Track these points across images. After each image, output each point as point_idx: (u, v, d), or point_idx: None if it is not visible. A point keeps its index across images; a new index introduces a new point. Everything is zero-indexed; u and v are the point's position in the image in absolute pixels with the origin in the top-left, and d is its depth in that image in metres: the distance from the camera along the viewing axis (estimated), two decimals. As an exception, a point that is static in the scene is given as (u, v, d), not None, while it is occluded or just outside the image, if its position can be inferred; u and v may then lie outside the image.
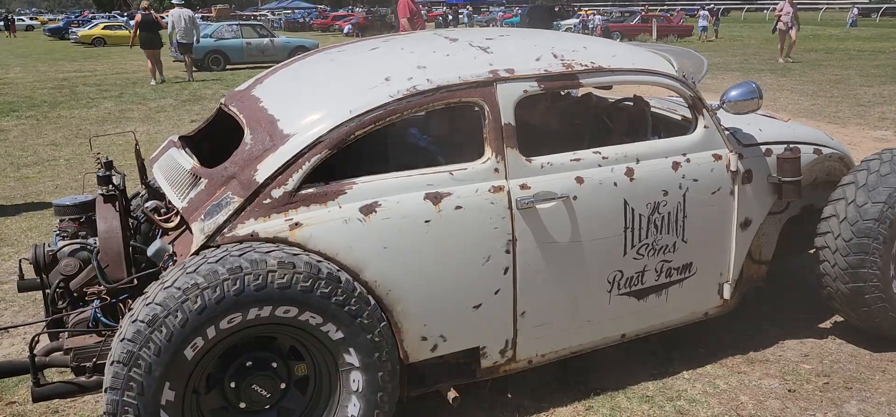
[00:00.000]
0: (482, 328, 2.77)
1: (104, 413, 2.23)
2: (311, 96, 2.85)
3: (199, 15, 35.10)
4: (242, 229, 2.45)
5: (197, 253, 2.39)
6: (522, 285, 2.79)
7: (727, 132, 3.24)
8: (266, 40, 21.23)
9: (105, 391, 2.22)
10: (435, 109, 2.83)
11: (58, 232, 2.95)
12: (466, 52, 2.94)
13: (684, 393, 3.10)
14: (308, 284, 2.34)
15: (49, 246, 2.84)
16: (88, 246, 2.79)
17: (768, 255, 3.48)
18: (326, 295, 2.38)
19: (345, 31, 41.21)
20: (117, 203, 2.85)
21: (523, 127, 2.90)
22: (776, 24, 18.75)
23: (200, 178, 2.63)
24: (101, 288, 2.63)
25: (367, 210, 2.54)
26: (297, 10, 58.73)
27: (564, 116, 3.95)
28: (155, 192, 3.17)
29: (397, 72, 2.76)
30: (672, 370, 3.30)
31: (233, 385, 2.42)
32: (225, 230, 2.45)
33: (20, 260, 3.27)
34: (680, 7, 53.23)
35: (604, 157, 2.92)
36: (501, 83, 2.79)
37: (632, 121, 3.60)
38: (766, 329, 3.67)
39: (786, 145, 3.36)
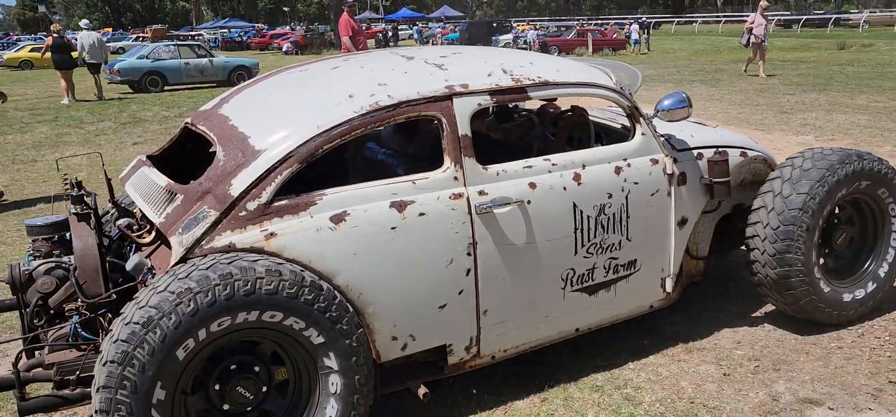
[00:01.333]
0: (448, 327, 2.96)
1: (96, 411, 2.31)
2: (279, 113, 3.00)
3: (134, 36, 34.44)
4: (220, 241, 2.58)
5: (177, 264, 2.50)
6: (484, 285, 2.99)
7: (662, 138, 3.51)
8: (205, 60, 20.94)
9: (97, 389, 2.32)
10: (395, 124, 2.99)
11: (31, 251, 3.01)
12: (423, 69, 3.15)
13: (630, 382, 3.34)
14: (293, 291, 2.50)
15: (24, 265, 2.89)
16: (63, 264, 2.87)
17: (704, 251, 3.79)
18: (309, 301, 2.53)
19: (283, 49, 40.94)
20: (91, 221, 2.93)
21: (477, 138, 3.11)
22: (748, 36, 17.15)
23: (176, 194, 2.75)
24: (81, 303, 2.71)
25: (337, 219, 2.70)
26: (233, 29, 58.05)
27: (512, 128, 4.20)
28: (124, 210, 3.27)
29: (360, 90, 2.95)
30: (619, 361, 3.53)
31: (217, 387, 2.54)
32: (203, 242, 2.58)
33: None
34: (613, 21, 54.77)
35: (553, 164, 3.16)
36: (457, 97, 3.00)
37: (575, 130, 3.89)
38: (702, 320, 3.95)
39: (715, 149, 3.67)
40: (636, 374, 3.42)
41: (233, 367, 2.57)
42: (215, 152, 2.84)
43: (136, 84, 19.55)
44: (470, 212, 2.92)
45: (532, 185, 3.07)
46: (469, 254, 2.93)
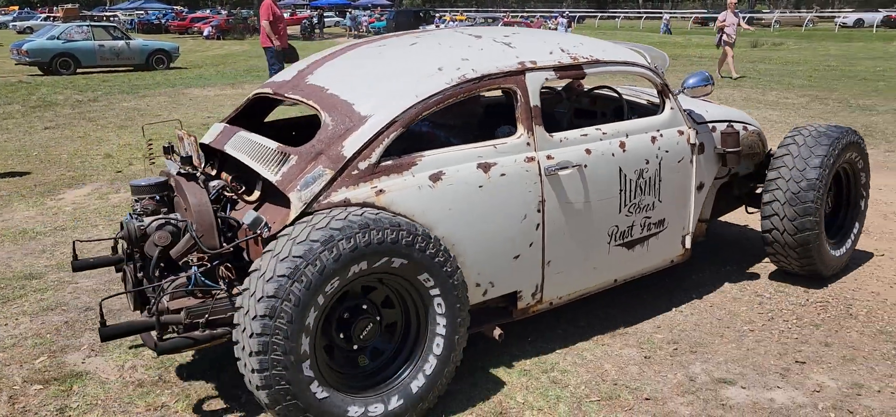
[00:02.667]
0: (519, 275, 3.33)
1: (253, 334, 2.56)
2: (376, 83, 3.27)
3: (43, 15, 32.70)
4: (335, 197, 2.87)
5: (297, 219, 2.79)
6: (549, 238, 3.38)
7: (684, 112, 3.98)
8: (121, 43, 20.10)
9: (255, 317, 2.57)
10: (473, 96, 3.35)
11: (138, 210, 3.19)
12: (495, 47, 3.50)
13: (557, 365, 3.44)
14: (411, 240, 2.81)
15: (138, 221, 3.10)
16: (171, 220, 3.08)
17: (707, 214, 4.28)
18: (425, 250, 2.84)
19: (205, 33, 39.71)
20: (200, 180, 3.20)
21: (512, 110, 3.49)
22: (720, 37, 16.42)
23: (289, 155, 3.00)
24: (202, 255, 2.96)
25: (435, 178, 3.04)
26: (151, 11, 55.88)
27: (561, 102, 4.64)
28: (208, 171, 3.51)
29: (447, 64, 3.28)
30: (548, 347, 3.63)
31: (340, 325, 2.85)
32: (321, 198, 2.86)
33: (74, 242, 3.66)
34: (539, 14, 55.54)
35: (603, 133, 3.59)
36: (529, 72, 3.39)
37: (599, 105, 4.47)
38: (625, 306, 4.10)
39: (727, 123, 4.24)
40: (563, 358, 3.51)
41: (354, 308, 2.86)
42: (320, 118, 3.11)
43: (46, 66, 18.68)
44: (540, 174, 3.30)
45: (588, 151, 3.48)
46: (538, 211, 3.31)
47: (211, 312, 2.81)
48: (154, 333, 2.82)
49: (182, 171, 3.25)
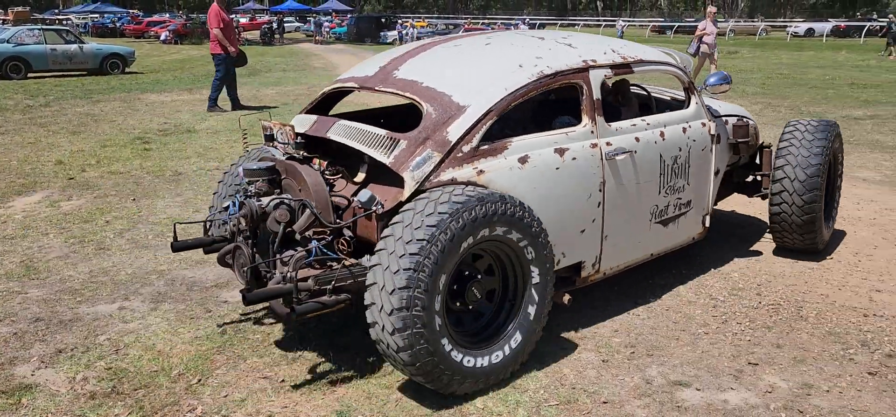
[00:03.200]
0: (584, 248, 3.77)
1: (398, 288, 2.88)
2: (467, 78, 3.64)
3: (-8, 17, 31.69)
4: (443, 176, 3.26)
5: (410, 198, 3.17)
6: (607, 215, 3.83)
7: (705, 107, 4.55)
8: (74, 47, 19.64)
9: (397, 271, 2.89)
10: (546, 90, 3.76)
11: (253, 191, 3.56)
12: (559, 48, 3.96)
13: (516, 370, 3.45)
14: (519, 212, 3.21)
15: (257, 201, 3.42)
16: (285, 200, 3.38)
17: (714, 199, 4.77)
18: (526, 221, 3.24)
19: (161, 38, 39.09)
20: (314, 163, 3.61)
21: (549, 106, 4.11)
22: (697, 45, 15.62)
23: (398, 140, 3.35)
24: (325, 229, 3.31)
25: (523, 160, 3.46)
26: (106, 15, 54.73)
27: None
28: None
29: (526, 62, 3.73)
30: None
31: (455, 287, 3.24)
32: (431, 177, 3.23)
33: (174, 224, 3.98)
34: (500, 21, 55.90)
35: (648, 124, 4.10)
36: (592, 69, 3.85)
37: (641, 100, 5.01)
38: (584, 311, 4.14)
39: (737, 117, 4.94)
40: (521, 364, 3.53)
41: (465, 273, 3.27)
42: (421, 109, 3.46)
43: (-4, 70, 18.13)
44: (601, 158, 3.75)
45: (637, 139, 3.97)
46: (600, 191, 3.76)
47: (336, 280, 3.13)
48: (281, 302, 3.16)
49: (295, 156, 3.66)
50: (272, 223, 3.35)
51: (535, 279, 3.36)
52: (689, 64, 5.20)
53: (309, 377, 3.40)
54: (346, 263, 3.20)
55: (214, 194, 4.20)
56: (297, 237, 3.33)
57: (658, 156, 4.07)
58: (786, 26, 51.05)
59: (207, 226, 3.93)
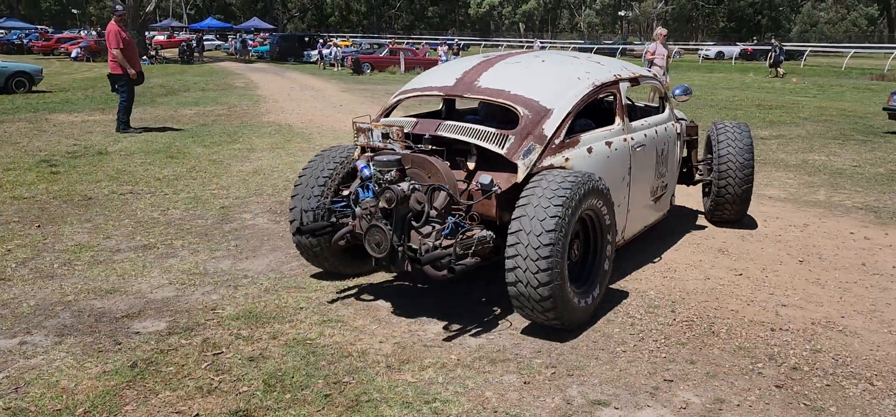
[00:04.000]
0: (619, 218, 4.84)
1: (543, 245, 3.80)
2: (543, 87, 4.67)
3: None
4: (544, 163, 4.32)
5: (525, 180, 4.21)
6: (631, 193, 5.06)
7: (673, 111, 5.98)
8: (-24, 64, 18.64)
9: (540, 234, 3.81)
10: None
11: (389, 179, 4.11)
12: (595, 65, 5.20)
13: (439, 396, 3.43)
14: (605, 188, 4.28)
15: (398, 187, 4.03)
16: (417, 186, 4.10)
17: (675, 183, 6.13)
18: (607, 195, 4.29)
19: (72, 55, 37.59)
20: (443, 154, 4.41)
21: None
22: (649, 68, 13.81)
23: (508, 136, 4.30)
24: (459, 208, 4.17)
25: (589, 151, 4.60)
26: (12, 31, 52.17)
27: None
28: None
29: (582, 75, 4.90)
30: (429, 377, 3.62)
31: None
32: (536, 164, 4.28)
33: (301, 212, 4.68)
34: (425, 41, 56.19)
35: (649, 124, 5.42)
36: (621, 81, 5.15)
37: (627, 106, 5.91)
38: (505, 332, 4.16)
39: (688, 119, 6.42)
40: (444, 388, 3.52)
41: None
42: (516, 111, 4.46)
43: None
44: (629, 149, 4.97)
45: (645, 135, 5.25)
46: (628, 175, 4.98)
47: (475, 244, 3.97)
48: (413, 268, 4.07)
49: (424, 148, 4.40)
50: (414, 203, 4.04)
51: (608, 238, 4.35)
52: (664, 79, 6.37)
53: (225, 412, 3.28)
54: (480, 234, 4.04)
55: (296, 186, 4.78)
56: (433, 215, 4.04)
57: (655, 149, 5.37)
58: (697, 49, 53.31)
59: (327, 213, 4.49)
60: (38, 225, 6.28)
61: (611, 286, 4.94)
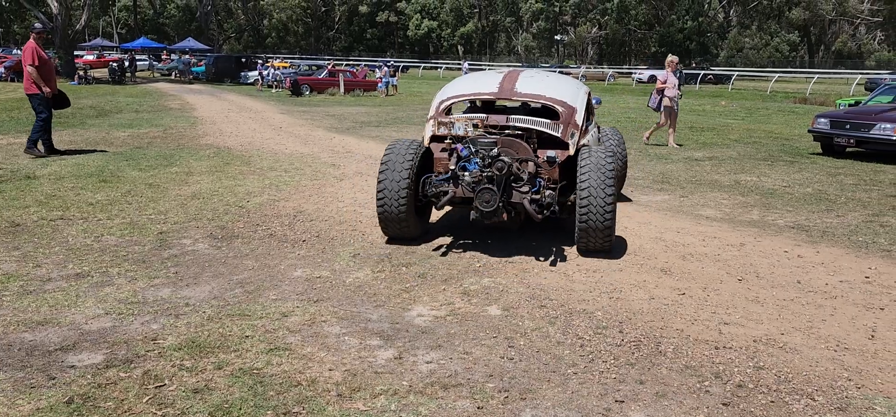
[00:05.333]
0: None
1: (607, 195, 5.85)
2: (565, 92, 6.75)
3: None
4: (581, 142, 6.58)
5: (575, 154, 6.43)
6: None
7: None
8: None
9: (605, 187, 5.86)
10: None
11: (492, 155, 5.91)
12: (574, 79, 7.44)
13: None
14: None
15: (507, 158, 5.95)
16: (517, 158, 6.03)
17: None
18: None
19: (-3, 73, 36.04)
20: (523, 138, 6.39)
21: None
22: (658, 100, 13.70)
23: (559, 123, 6.45)
24: (542, 173, 6.14)
25: (592, 133, 7.27)
26: (-70, 49, 49.74)
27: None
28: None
29: (578, 85, 7.19)
30: (380, 405, 3.55)
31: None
32: (577, 143, 6.47)
33: (420, 183, 6.31)
34: (364, 63, 56.12)
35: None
36: (589, 92, 7.26)
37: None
38: (457, 355, 4.13)
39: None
40: (396, 416, 3.46)
41: None
42: (556, 109, 6.60)
43: None
44: (599, 133, 8.29)
45: (598, 126, 8.18)
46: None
47: (557, 198, 6.04)
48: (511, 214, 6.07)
49: (510, 133, 6.35)
50: (516, 170, 5.89)
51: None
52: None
53: (169, 446, 3.15)
54: (551, 191, 6.00)
55: (382, 172, 6.17)
56: (524, 178, 5.90)
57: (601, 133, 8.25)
58: (631, 73, 54.82)
59: (439, 195, 6.18)
60: (-39, 254, 5.94)
61: (565, 309, 4.98)
